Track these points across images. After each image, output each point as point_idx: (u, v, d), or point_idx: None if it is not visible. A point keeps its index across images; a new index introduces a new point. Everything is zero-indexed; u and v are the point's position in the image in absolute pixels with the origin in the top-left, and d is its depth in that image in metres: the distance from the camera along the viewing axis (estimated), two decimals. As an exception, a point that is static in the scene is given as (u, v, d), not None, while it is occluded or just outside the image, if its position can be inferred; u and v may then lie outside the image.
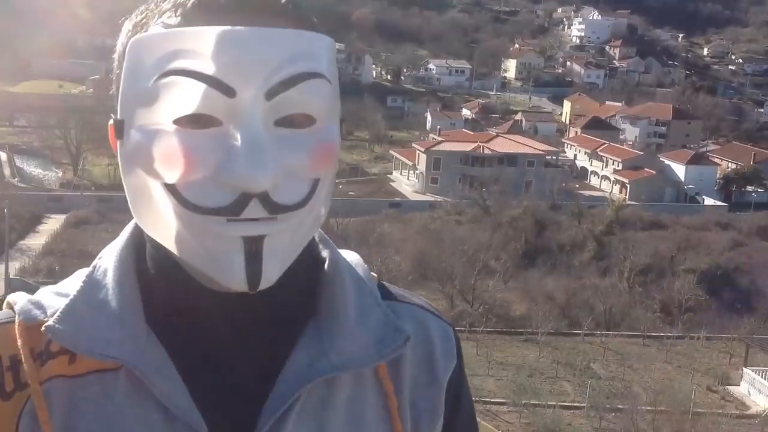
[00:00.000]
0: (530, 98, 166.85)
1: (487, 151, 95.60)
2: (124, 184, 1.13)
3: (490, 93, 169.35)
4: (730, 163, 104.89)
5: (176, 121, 1.04)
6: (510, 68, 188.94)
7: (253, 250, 1.05)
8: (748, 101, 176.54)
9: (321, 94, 1.10)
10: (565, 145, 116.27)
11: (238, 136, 1.03)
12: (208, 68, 1.02)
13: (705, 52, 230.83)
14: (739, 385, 39.99)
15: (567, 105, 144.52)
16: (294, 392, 1.12)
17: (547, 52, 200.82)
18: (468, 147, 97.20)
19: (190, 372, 1.11)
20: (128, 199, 1.13)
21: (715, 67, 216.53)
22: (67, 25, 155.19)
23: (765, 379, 38.42)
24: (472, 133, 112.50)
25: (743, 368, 40.50)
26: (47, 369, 1.11)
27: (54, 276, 56.68)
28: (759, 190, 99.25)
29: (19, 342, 1.12)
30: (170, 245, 1.10)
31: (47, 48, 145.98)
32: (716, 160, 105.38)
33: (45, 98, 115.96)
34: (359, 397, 1.20)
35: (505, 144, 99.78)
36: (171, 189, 1.06)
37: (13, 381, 1.11)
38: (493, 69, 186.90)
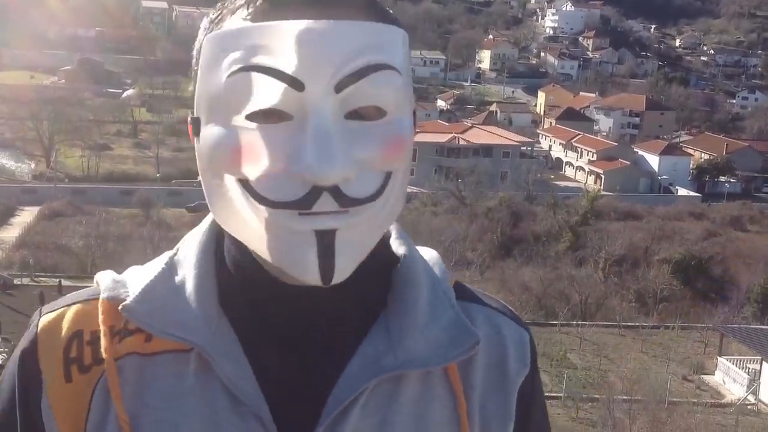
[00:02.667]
0: (504, 89, 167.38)
1: (462, 142, 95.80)
2: (201, 180, 1.15)
3: (465, 84, 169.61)
4: (703, 154, 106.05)
5: (249, 117, 1.05)
6: (484, 59, 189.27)
7: (326, 243, 1.05)
8: (720, 92, 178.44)
9: (392, 86, 1.09)
10: (540, 136, 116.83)
11: (309, 130, 1.03)
12: (279, 63, 1.03)
13: (677, 43, 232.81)
14: (713, 375, 40.57)
15: (541, 96, 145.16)
16: (359, 387, 1.12)
17: (521, 43, 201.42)
18: (443, 138, 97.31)
19: (258, 360, 1.13)
20: (205, 194, 1.15)
21: (688, 58, 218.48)
22: (38, 15, 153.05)
23: (739, 368, 39.00)
24: (447, 123, 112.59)
25: (718, 357, 41.07)
26: (123, 346, 1.15)
27: (28, 269, 55.99)
28: (731, 180, 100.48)
29: (101, 318, 1.16)
30: (245, 239, 1.12)
31: (18, 38, 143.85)
32: (689, 151, 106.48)
33: (16, 89, 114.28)
34: (426, 396, 1.18)
35: (480, 135, 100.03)
36: (244, 184, 1.07)
37: (92, 356, 1.15)
38: (468, 60, 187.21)
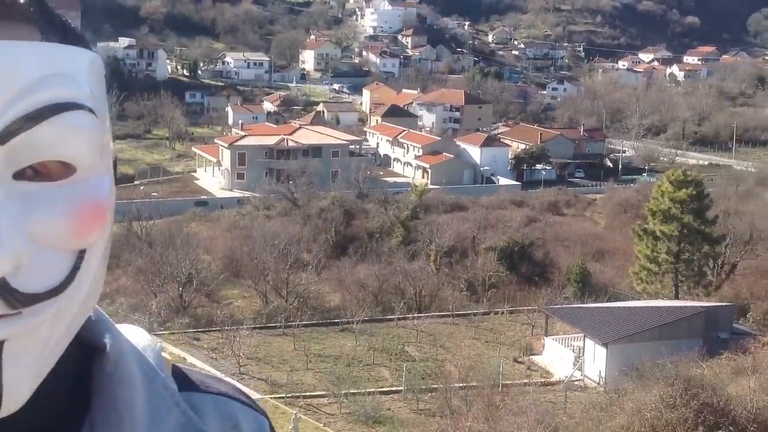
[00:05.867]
0: (330, 89, 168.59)
1: (291, 144, 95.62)
2: None
3: (290, 85, 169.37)
4: (519, 144, 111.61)
5: None
6: (308, 59, 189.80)
7: None
8: (532, 84, 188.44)
9: (82, 132, 0.82)
10: (368, 133, 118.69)
11: None
12: None
13: (490, 38, 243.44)
14: (542, 355, 42.79)
15: (366, 94, 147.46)
16: None
17: (344, 43, 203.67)
18: (272, 140, 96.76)
19: None
20: None
21: (500, 52, 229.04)
22: None
23: (564, 346, 41.38)
24: (275, 126, 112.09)
25: (544, 338, 43.39)
26: None
27: None
28: (546, 167, 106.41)
29: None
30: None
31: None
32: (507, 142, 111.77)
33: None
34: None
35: (308, 135, 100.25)
36: None
37: None
38: (292, 61, 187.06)
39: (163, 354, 1.06)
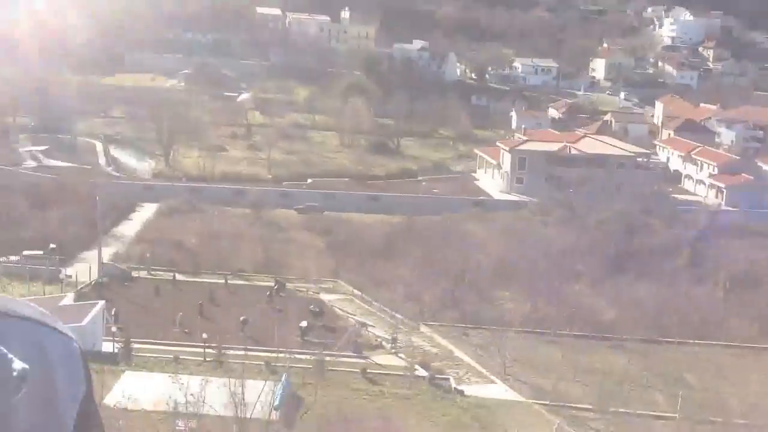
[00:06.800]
0: (620, 99, 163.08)
1: (574, 152, 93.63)
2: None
3: (578, 93, 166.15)
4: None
5: None
6: (598, 68, 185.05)
7: None
8: None
9: None
10: (657, 147, 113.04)
11: None
12: None
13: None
14: None
15: (659, 106, 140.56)
16: None
17: (638, 53, 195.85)
18: (554, 147, 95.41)
19: None
20: None
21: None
22: (157, 20, 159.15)
23: None
24: (558, 132, 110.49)
25: None
26: None
27: (145, 263, 58.04)
28: None
29: None
30: None
31: (139, 42, 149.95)
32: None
33: (138, 91, 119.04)
34: None
35: (593, 145, 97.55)
36: None
37: None
38: (581, 68, 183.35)
39: None
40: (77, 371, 1.09)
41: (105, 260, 56.22)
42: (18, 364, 0.97)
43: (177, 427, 33.17)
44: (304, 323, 48.47)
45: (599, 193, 75.81)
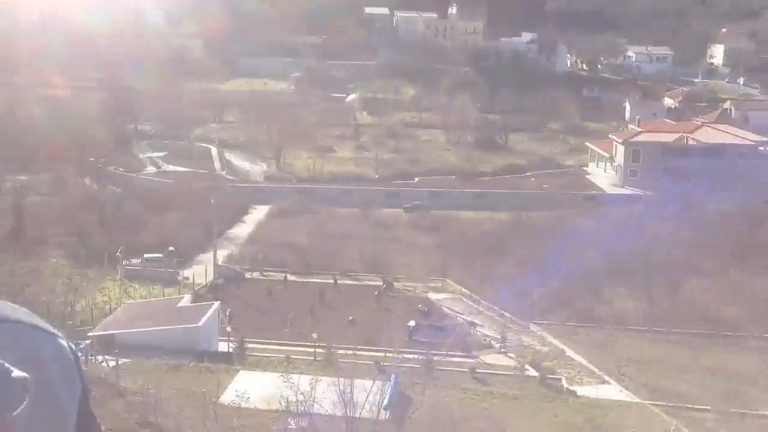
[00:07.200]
0: (739, 85, 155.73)
1: (691, 142, 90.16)
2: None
3: (695, 80, 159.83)
4: None
5: None
6: (717, 54, 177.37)
7: None
8: None
9: None
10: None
11: None
12: None
13: None
14: None
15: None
16: None
17: (759, 36, 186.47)
18: (670, 138, 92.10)
19: None
20: None
21: None
22: (268, 25, 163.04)
23: None
24: (674, 123, 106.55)
25: None
26: None
27: (257, 264, 59.59)
28: None
29: None
30: None
31: (251, 48, 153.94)
32: None
33: (250, 95, 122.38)
34: None
35: (711, 134, 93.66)
36: None
37: None
38: (698, 55, 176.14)
39: None
40: (71, 370, 1.06)
41: (219, 262, 58.06)
42: (18, 373, 0.96)
43: (288, 426, 33.83)
44: (412, 323, 48.56)
45: (719, 184, 72.57)
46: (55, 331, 1.08)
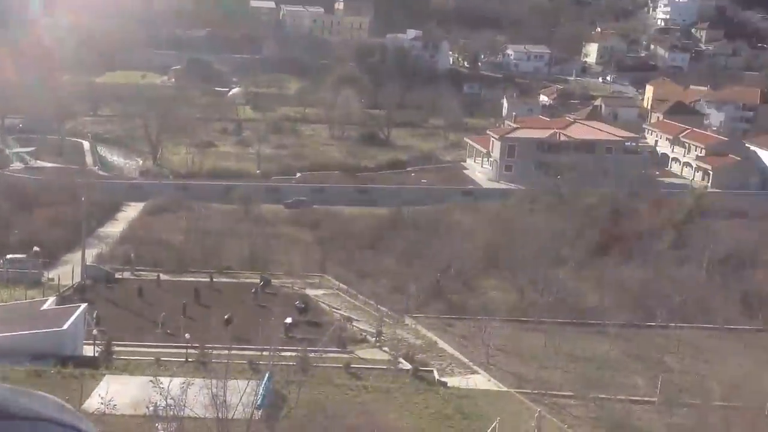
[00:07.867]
0: (611, 83, 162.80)
1: (563, 138, 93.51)
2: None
3: (569, 78, 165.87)
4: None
5: None
6: (591, 53, 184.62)
7: None
8: None
9: None
10: (646, 130, 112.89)
11: None
12: None
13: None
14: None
15: (649, 90, 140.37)
16: None
17: (631, 36, 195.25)
18: (544, 134, 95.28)
19: None
20: None
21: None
22: (149, 17, 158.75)
23: None
24: (548, 119, 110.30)
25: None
26: None
27: (129, 264, 57.98)
28: None
29: None
30: None
31: (130, 39, 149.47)
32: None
33: (127, 88, 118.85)
34: None
35: (582, 130, 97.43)
36: None
37: None
38: (573, 54, 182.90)
39: None
40: None
41: (88, 262, 56.13)
42: None
43: None
44: (288, 320, 48.44)
45: (587, 178, 75.81)
46: (89, 428, 1.10)
